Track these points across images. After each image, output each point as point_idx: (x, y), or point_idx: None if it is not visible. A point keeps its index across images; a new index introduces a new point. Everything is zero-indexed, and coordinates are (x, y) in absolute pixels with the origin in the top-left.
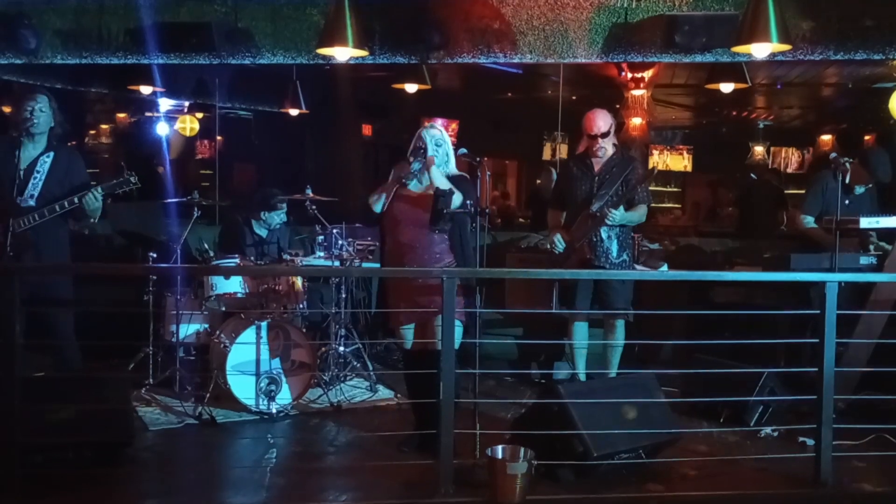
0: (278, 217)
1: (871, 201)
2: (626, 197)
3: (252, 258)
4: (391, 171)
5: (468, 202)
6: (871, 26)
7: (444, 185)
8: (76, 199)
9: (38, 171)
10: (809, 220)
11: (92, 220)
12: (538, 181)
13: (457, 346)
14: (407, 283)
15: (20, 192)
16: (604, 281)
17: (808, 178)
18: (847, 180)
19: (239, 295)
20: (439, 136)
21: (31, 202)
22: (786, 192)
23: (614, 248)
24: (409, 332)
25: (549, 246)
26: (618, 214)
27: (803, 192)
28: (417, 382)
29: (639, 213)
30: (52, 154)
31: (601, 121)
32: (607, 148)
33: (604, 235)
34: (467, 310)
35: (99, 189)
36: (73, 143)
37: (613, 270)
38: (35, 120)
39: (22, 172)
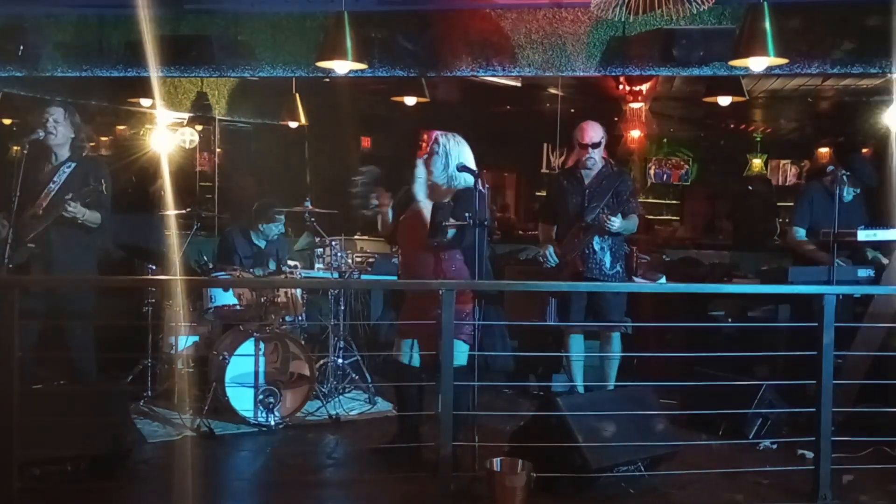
0: (276, 228)
1: (861, 208)
2: (618, 209)
3: (250, 270)
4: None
5: (466, 214)
6: (868, 40)
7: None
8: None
9: (54, 182)
10: (801, 233)
11: (93, 226)
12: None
13: (465, 362)
14: (414, 298)
15: (31, 202)
16: (597, 293)
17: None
18: (843, 191)
19: (237, 307)
20: (443, 140)
21: (39, 212)
22: (782, 204)
23: (607, 259)
24: (406, 346)
25: (541, 259)
26: (617, 221)
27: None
28: (415, 395)
29: (632, 223)
30: (72, 165)
31: (593, 131)
32: (597, 159)
33: (596, 247)
34: (462, 322)
35: (71, 200)
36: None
37: (609, 283)
38: (50, 133)
39: (39, 184)
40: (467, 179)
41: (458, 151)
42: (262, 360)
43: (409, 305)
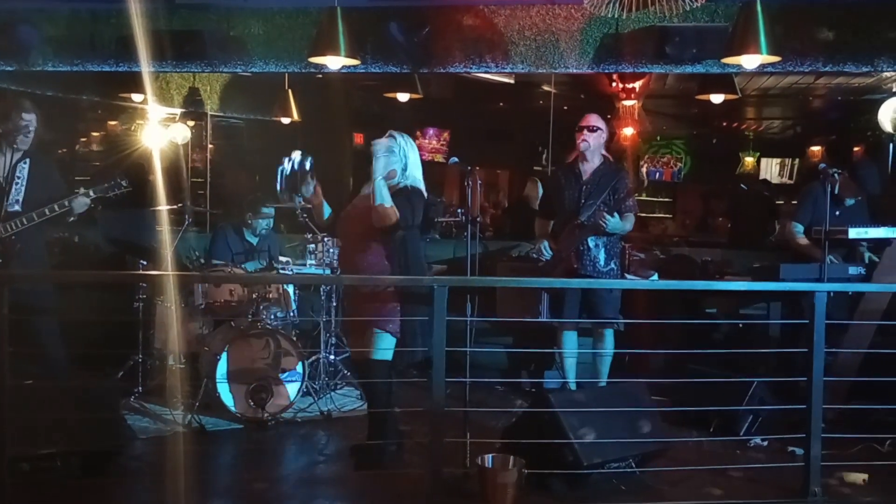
0: (265, 222)
1: (862, 212)
2: (615, 207)
3: (243, 265)
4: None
5: (459, 210)
6: (860, 38)
7: (386, 200)
8: (66, 202)
9: (18, 177)
10: (800, 230)
11: (71, 220)
12: (525, 191)
13: (390, 357)
14: (352, 293)
15: (5, 198)
16: (591, 290)
17: (799, 188)
18: (836, 191)
19: (231, 302)
20: (401, 141)
21: (17, 207)
22: (776, 202)
23: (602, 256)
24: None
25: (535, 255)
26: (612, 220)
27: (794, 202)
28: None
29: (629, 223)
30: (28, 160)
31: (594, 119)
32: (591, 144)
33: (591, 244)
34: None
35: (90, 192)
36: (65, 150)
37: (602, 279)
38: (27, 137)
39: (3, 179)
40: (416, 181)
41: (414, 154)
42: (253, 356)
43: (348, 301)
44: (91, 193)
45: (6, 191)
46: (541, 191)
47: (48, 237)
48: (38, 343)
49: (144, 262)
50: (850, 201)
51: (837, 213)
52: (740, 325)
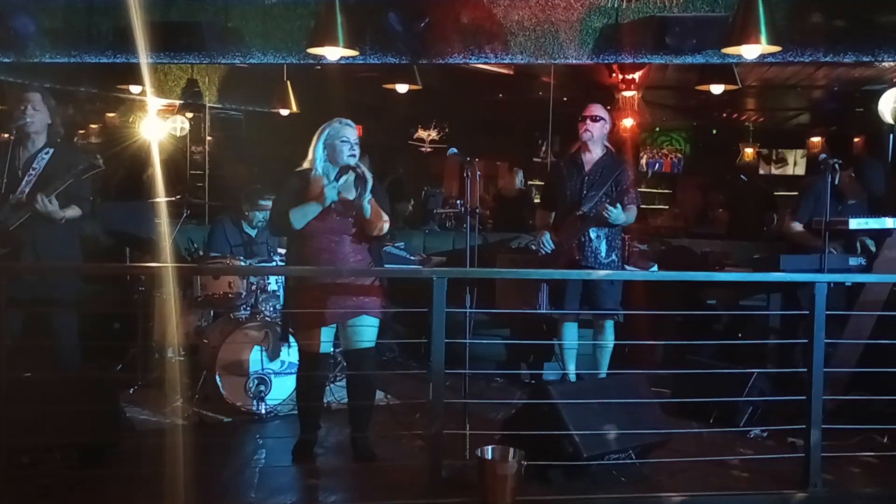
0: (262, 215)
1: (862, 211)
2: (617, 198)
3: (241, 258)
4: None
5: (458, 202)
6: (861, 29)
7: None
8: (56, 191)
9: (34, 168)
10: (798, 227)
11: (60, 218)
12: (503, 182)
13: (373, 344)
14: (323, 284)
15: (13, 189)
16: (592, 281)
17: (799, 180)
18: (837, 181)
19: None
20: (355, 138)
21: (23, 198)
22: (775, 193)
23: (603, 248)
24: (323, 334)
25: (533, 247)
26: (615, 211)
27: (793, 194)
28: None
29: (632, 215)
30: (51, 150)
31: (597, 108)
32: (594, 134)
33: (592, 236)
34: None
35: (43, 196)
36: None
37: (602, 271)
38: (29, 119)
39: (20, 171)
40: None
41: None
42: (252, 348)
43: (316, 292)
44: (45, 195)
45: (17, 182)
46: (519, 180)
47: (80, 230)
48: (53, 336)
49: (137, 254)
50: (851, 201)
51: (839, 208)
52: (739, 334)
